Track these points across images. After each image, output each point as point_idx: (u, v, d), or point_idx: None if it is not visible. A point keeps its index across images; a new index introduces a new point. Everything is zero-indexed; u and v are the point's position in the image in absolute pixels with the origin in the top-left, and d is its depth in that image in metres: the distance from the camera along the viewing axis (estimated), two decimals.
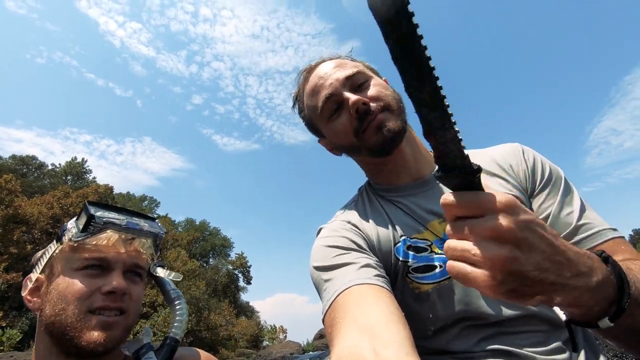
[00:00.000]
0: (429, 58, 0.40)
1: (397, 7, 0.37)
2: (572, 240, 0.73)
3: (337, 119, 0.88)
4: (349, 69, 0.88)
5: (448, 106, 0.42)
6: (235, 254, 45.25)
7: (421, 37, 0.39)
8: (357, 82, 0.87)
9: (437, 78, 0.40)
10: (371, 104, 0.83)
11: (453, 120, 0.42)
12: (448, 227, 0.45)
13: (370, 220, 0.85)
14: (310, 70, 0.95)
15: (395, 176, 0.91)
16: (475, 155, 0.96)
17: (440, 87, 0.41)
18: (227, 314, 32.01)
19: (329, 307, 0.64)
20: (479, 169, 0.43)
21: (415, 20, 0.38)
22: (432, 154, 0.94)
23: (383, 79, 0.97)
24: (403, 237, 0.80)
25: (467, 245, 0.42)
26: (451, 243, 0.43)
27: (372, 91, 0.86)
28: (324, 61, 0.94)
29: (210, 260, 45.40)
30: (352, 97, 0.83)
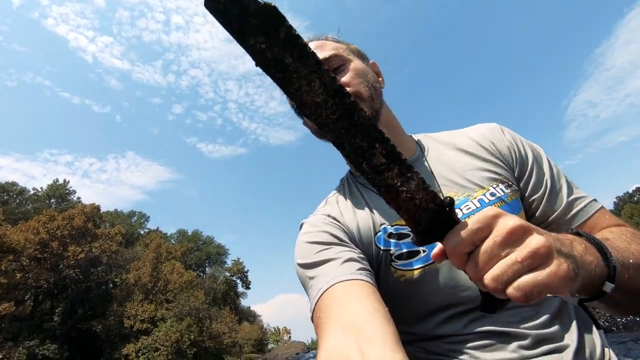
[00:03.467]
0: (369, 117, 0.39)
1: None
2: (567, 217, 0.76)
3: None
4: (326, 52, 0.87)
5: (397, 148, 0.40)
6: (232, 260, 44.91)
7: (356, 103, 0.38)
8: (332, 66, 0.86)
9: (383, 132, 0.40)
10: None
11: (412, 166, 0.41)
12: (471, 269, 0.42)
13: (350, 211, 0.85)
14: None
15: None
16: (452, 136, 0.95)
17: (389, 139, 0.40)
18: (229, 321, 31.75)
19: (315, 307, 0.64)
20: (452, 200, 0.43)
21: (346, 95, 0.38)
22: (411, 140, 0.96)
23: (371, 62, 0.96)
24: (383, 225, 0.79)
25: (510, 260, 0.40)
26: (496, 271, 0.40)
27: (344, 77, 0.85)
28: (307, 41, 0.93)
29: (207, 269, 44.94)
30: None
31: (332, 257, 0.70)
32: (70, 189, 36.04)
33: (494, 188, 0.79)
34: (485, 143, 0.87)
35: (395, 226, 0.78)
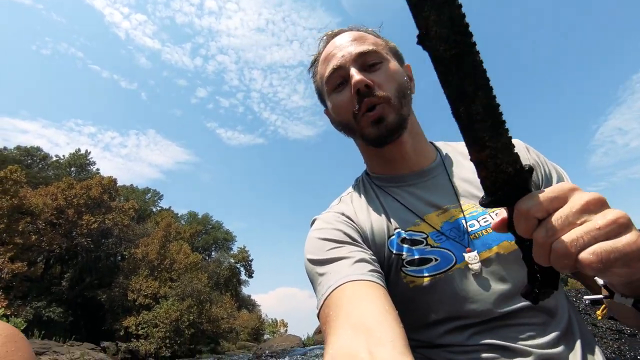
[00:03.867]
0: (482, 62, 0.38)
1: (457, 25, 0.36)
2: None
3: (340, 93, 0.86)
4: (365, 46, 0.84)
5: (499, 107, 0.39)
6: (238, 247, 45.41)
7: (474, 44, 0.37)
8: (368, 61, 0.83)
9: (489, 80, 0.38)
10: (375, 90, 0.80)
11: (505, 122, 0.40)
12: (541, 233, 0.40)
13: (365, 212, 0.84)
14: (332, 35, 0.92)
15: (393, 166, 0.89)
16: None
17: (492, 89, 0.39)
18: (228, 307, 32.15)
19: (323, 303, 0.63)
20: (531, 168, 0.42)
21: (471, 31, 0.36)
22: (432, 148, 0.95)
23: (406, 65, 0.93)
24: (397, 230, 0.78)
25: (587, 226, 0.38)
26: (572, 235, 0.38)
27: (380, 76, 0.82)
28: (346, 31, 0.92)
29: (213, 253, 45.62)
30: (356, 75, 0.79)
31: (344, 256, 0.69)
32: (91, 159, 37.09)
33: None
34: None
35: (409, 232, 0.77)
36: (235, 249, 46.01)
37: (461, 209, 0.78)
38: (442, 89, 0.40)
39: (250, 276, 44.70)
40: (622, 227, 0.37)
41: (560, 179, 0.84)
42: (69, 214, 23.88)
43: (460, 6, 0.36)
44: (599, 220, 0.38)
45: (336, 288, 0.62)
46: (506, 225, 0.45)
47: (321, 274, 0.69)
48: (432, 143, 0.97)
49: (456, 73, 0.38)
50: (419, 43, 0.39)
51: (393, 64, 0.86)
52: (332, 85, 0.87)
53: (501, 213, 0.46)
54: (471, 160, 0.43)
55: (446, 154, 0.93)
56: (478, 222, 0.76)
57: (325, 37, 0.94)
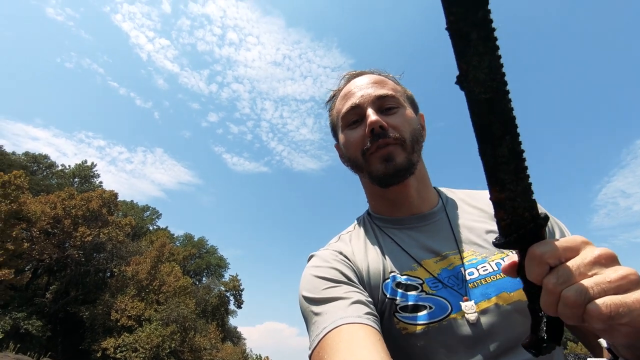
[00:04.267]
0: (513, 109, 0.40)
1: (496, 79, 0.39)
2: None
3: (353, 130, 0.88)
4: (385, 90, 0.87)
5: (524, 153, 0.41)
6: (230, 275, 44.40)
7: (508, 92, 0.40)
8: (385, 105, 0.86)
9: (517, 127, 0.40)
10: (389, 131, 0.82)
11: (527, 168, 0.41)
12: (552, 280, 0.40)
13: (363, 252, 0.83)
14: (354, 75, 0.96)
15: (396, 208, 0.89)
16: (475, 196, 0.94)
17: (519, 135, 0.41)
18: (213, 337, 30.89)
19: (317, 345, 0.61)
20: (547, 217, 0.43)
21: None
22: (435, 193, 0.95)
23: (420, 114, 0.96)
24: (393, 273, 0.77)
25: (598, 278, 0.38)
26: (582, 286, 0.38)
27: (395, 119, 0.84)
28: (368, 73, 0.96)
29: (204, 278, 44.54)
30: (372, 116, 0.82)
31: (340, 296, 0.68)
32: (95, 172, 37.40)
33: (514, 254, 0.76)
34: None
35: (405, 276, 0.76)
36: (227, 276, 45.05)
37: (460, 256, 0.78)
38: (473, 128, 0.42)
39: (239, 307, 43.32)
40: (632, 283, 0.37)
41: (562, 234, 0.83)
42: (65, 224, 23.68)
43: (499, 57, 0.39)
44: (611, 274, 0.38)
45: (332, 330, 0.61)
46: (516, 269, 0.45)
47: (316, 314, 0.67)
48: (435, 188, 0.97)
49: (487, 116, 0.40)
50: (457, 83, 0.41)
51: (409, 111, 0.89)
52: (347, 121, 0.90)
53: (510, 258, 0.47)
54: (490, 199, 0.44)
55: (448, 199, 0.93)
56: (477, 270, 0.75)
57: (347, 76, 0.98)
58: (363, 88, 0.89)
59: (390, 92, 0.87)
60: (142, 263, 27.27)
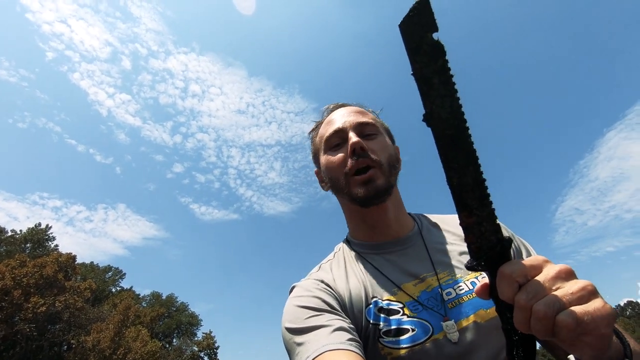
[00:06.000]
0: (473, 142, 0.46)
1: (454, 110, 0.45)
2: None
3: (335, 152, 0.94)
4: (365, 118, 0.96)
5: (485, 182, 0.46)
6: (203, 333, 41.41)
7: (468, 128, 0.46)
8: (366, 131, 0.94)
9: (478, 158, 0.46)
10: (368, 152, 0.88)
11: (489, 195, 0.47)
12: (522, 296, 0.43)
13: (344, 280, 0.84)
14: (338, 106, 1.05)
15: (374, 232, 0.92)
16: (447, 220, 1.00)
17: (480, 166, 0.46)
18: None
19: None
20: (510, 240, 0.47)
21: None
22: (410, 218, 0.99)
23: (395, 146, 1.03)
24: (375, 299, 0.78)
25: (562, 291, 0.42)
26: (550, 299, 0.41)
27: (374, 144, 0.91)
28: (350, 105, 1.04)
29: (174, 340, 41.21)
30: (354, 137, 0.89)
31: (322, 324, 0.68)
32: (51, 234, 34.81)
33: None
34: None
35: (387, 301, 0.77)
36: (200, 334, 41.99)
37: (437, 277, 0.81)
38: (440, 161, 0.48)
39: None
40: (590, 293, 0.42)
41: (529, 253, 0.89)
42: (15, 296, 21.44)
43: (458, 99, 0.46)
44: (572, 286, 0.42)
45: (315, 358, 0.61)
46: (488, 291, 0.49)
47: (299, 344, 0.67)
48: (410, 214, 1.02)
49: (452, 149, 0.46)
50: (424, 120, 0.47)
51: (387, 140, 0.97)
52: (330, 144, 0.96)
53: (483, 280, 0.50)
54: (460, 224, 0.48)
55: (423, 224, 0.98)
56: (454, 290, 0.78)
57: (331, 106, 1.07)
58: (346, 115, 0.97)
59: (370, 121, 0.96)
60: (104, 330, 24.86)
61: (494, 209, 0.46)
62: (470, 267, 0.49)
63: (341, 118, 0.96)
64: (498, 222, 0.47)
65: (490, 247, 0.47)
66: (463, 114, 0.46)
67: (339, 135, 0.94)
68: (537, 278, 0.44)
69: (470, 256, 0.49)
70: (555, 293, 0.42)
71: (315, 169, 1.08)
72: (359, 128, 0.93)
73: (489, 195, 0.46)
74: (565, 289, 0.42)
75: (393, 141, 1.04)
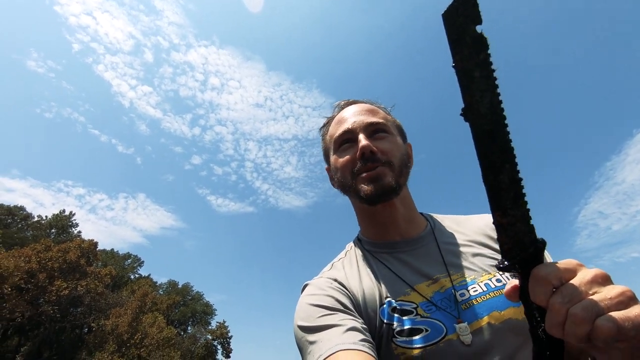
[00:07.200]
0: (511, 140, 0.45)
1: (495, 112, 0.44)
2: None
3: (344, 152, 0.93)
4: (376, 118, 0.94)
5: (522, 181, 0.45)
6: (217, 322, 42.31)
7: (507, 125, 0.44)
8: (376, 131, 0.92)
9: (515, 157, 0.45)
10: (378, 155, 0.86)
11: (525, 195, 0.45)
12: (558, 299, 0.41)
13: (357, 279, 0.83)
14: (348, 103, 1.03)
15: (385, 230, 0.91)
16: (461, 221, 0.98)
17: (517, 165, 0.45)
18: None
19: None
20: (544, 242, 0.45)
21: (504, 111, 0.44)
22: (422, 218, 0.98)
23: (408, 143, 1.01)
24: (388, 299, 0.77)
25: (600, 295, 0.40)
26: (588, 302, 0.39)
27: (384, 145, 0.89)
28: (361, 102, 1.02)
29: (189, 328, 42.25)
30: (363, 141, 0.87)
31: (335, 324, 0.68)
32: (74, 221, 36.13)
33: (501, 275, 0.79)
34: (493, 233, 0.88)
35: (400, 301, 0.76)
36: (214, 323, 42.90)
37: (450, 278, 0.80)
38: (477, 157, 0.46)
39: (227, 356, 40.90)
40: (630, 299, 0.39)
41: (546, 259, 0.85)
42: (40, 279, 22.39)
43: (498, 94, 0.45)
44: (610, 291, 0.40)
45: (327, 357, 0.61)
46: (518, 293, 0.47)
47: (311, 342, 0.67)
48: (422, 214, 1.01)
49: (489, 146, 0.45)
50: (462, 115, 0.46)
51: (398, 139, 0.95)
52: (338, 144, 0.95)
53: (511, 282, 0.48)
54: (493, 223, 0.47)
55: (436, 224, 0.96)
56: (468, 291, 0.77)
57: (342, 103, 1.05)
58: (356, 115, 0.95)
59: (381, 120, 0.93)
60: (122, 315, 25.72)
61: (528, 209, 0.45)
62: (502, 267, 0.47)
63: (351, 118, 0.95)
64: (532, 223, 0.45)
65: (522, 248, 0.45)
66: (503, 110, 0.44)
67: (349, 136, 0.93)
68: (574, 280, 0.42)
69: (502, 256, 0.47)
70: (592, 297, 0.39)
71: (326, 165, 1.07)
72: (369, 129, 0.92)
73: (524, 195, 0.45)
74: (603, 294, 0.40)
75: (405, 138, 1.02)
